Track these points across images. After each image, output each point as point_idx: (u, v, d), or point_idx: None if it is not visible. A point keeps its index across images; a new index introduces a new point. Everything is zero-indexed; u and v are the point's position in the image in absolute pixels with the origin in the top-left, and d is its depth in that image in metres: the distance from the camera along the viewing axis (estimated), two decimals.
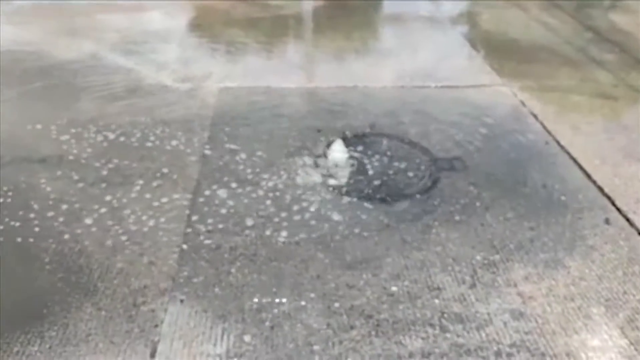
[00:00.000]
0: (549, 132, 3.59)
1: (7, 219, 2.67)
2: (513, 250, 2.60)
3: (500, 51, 4.99)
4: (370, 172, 3.13)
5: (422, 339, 2.13)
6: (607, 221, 2.79)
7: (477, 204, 2.90)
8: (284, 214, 2.78)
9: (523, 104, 3.98)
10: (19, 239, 2.56)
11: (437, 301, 2.30)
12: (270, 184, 3.01)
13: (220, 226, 2.68)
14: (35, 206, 2.77)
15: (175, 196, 2.88)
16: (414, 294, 2.34)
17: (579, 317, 2.25)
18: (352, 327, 2.17)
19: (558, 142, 3.47)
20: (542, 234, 2.70)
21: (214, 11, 5.85)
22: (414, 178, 3.10)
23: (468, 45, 5.19)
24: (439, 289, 2.36)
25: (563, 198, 2.97)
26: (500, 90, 4.21)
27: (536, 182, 3.10)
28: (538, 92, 4.17)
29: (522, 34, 5.43)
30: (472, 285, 2.38)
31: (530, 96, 4.09)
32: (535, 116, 3.80)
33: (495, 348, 2.10)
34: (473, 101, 4.02)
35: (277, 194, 2.93)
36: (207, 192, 2.92)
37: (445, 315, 2.23)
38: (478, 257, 2.54)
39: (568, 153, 3.36)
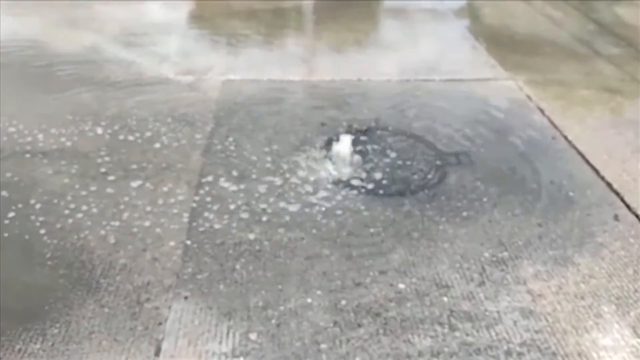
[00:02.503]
0: (556, 127, 3.55)
1: (8, 213, 2.62)
2: (521, 247, 2.56)
3: (505, 44, 4.94)
4: (376, 167, 3.09)
5: (431, 337, 2.09)
6: (616, 218, 2.75)
7: (485, 199, 2.86)
8: (288, 209, 2.74)
9: (529, 98, 3.94)
10: (20, 234, 2.51)
11: (445, 299, 2.27)
12: (275, 178, 2.97)
13: (224, 221, 2.64)
14: (37, 200, 2.72)
15: (178, 191, 2.84)
16: (422, 291, 2.30)
17: (590, 315, 2.21)
18: (359, 325, 2.14)
19: (565, 137, 3.43)
20: (550, 231, 2.67)
21: (214, 2, 5.78)
22: (420, 173, 3.06)
23: (472, 38, 5.14)
24: (447, 286, 2.33)
25: (571, 194, 2.93)
26: (505, 84, 4.16)
27: (544, 177, 3.06)
28: (544, 86, 4.12)
29: (526, 27, 5.38)
30: (481, 283, 2.35)
31: (536, 90, 4.04)
32: (541, 111, 3.76)
33: (505, 347, 2.06)
34: (478, 95, 3.98)
35: (282, 188, 2.89)
36: (210, 187, 2.88)
37: (454, 313, 2.20)
38: (486, 254, 2.51)
39: (575, 148, 3.32)
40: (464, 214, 2.76)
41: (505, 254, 2.51)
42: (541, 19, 5.65)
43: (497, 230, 2.65)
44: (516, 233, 2.64)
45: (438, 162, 3.15)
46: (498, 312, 2.21)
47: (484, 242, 2.58)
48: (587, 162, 3.19)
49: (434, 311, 2.21)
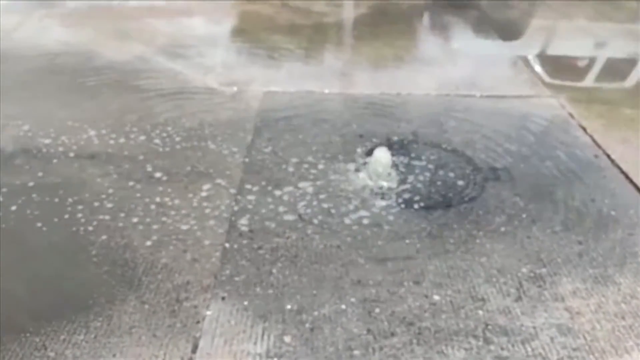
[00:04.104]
0: (598, 145, 3.49)
1: (57, 212, 2.74)
2: (560, 264, 2.52)
3: (547, 62, 4.89)
4: (413, 179, 3.10)
5: (465, 349, 2.08)
6: None
7: (524, 215, 2.83)
8: (325, 218, 2.77)
9: (571, 116, 3.88)
10: (68, 232, 2.62)
11: (480, 312, 2.25)
12: (312, 187, 3.01)
13: (262, 227, 2.70)
14: (84, 200, 2.84)
15: (219, 196, 2.91)
16: (457, 303, 2.29)
17: (630, 336, 2.16)
18: (392, 334, 2.14)
19: (608, 156, 3.37)
20: (590, 249, 2.62)
21: (258, 17, 5.93)
22: (457, 187, 3.05)
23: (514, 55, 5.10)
24: (483, 300, 2.31)
25: (613, 213, 2.87)
26: (547, 102, 4.12)
27: (585, 195, 3.01)
28: (587, 105, 4.06)
29: (569, 45, 5.31)
30: (518, 298, 2.32)
31: (579, 108, 3.98)
32: (584, 129, 3.70)
33: None
34: (519, 112, 3.95)
35: (319, 197, 2.93)
36: (249, 194, 2.94)
37: (490, 327, 2.18)
38: (524, 270, 2.48)
39: (619, 167, 3.26)
40: (502, 229, 2.74)
41: (544, 270, 2.48)
42: (584, 37, 5.57)
43: (535, 247, 2.62)
44: (555, 250, 2.61)
45: (477, 177, 3.14)
46: (534, 327, 2.18)
47: (521, 257, 2.55)
48: (631, 181, 3.12)
49: (468, 324, 2.19)
